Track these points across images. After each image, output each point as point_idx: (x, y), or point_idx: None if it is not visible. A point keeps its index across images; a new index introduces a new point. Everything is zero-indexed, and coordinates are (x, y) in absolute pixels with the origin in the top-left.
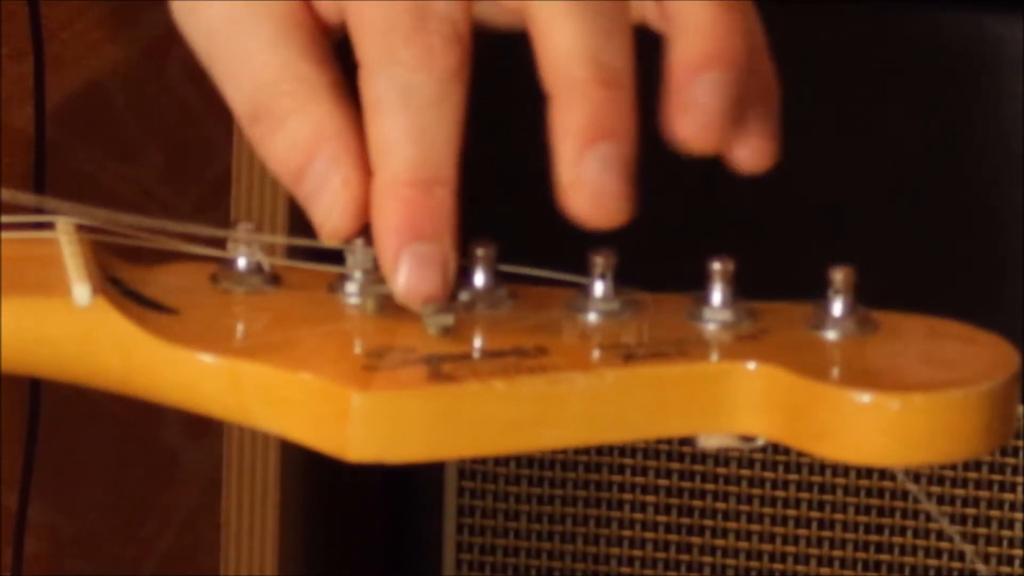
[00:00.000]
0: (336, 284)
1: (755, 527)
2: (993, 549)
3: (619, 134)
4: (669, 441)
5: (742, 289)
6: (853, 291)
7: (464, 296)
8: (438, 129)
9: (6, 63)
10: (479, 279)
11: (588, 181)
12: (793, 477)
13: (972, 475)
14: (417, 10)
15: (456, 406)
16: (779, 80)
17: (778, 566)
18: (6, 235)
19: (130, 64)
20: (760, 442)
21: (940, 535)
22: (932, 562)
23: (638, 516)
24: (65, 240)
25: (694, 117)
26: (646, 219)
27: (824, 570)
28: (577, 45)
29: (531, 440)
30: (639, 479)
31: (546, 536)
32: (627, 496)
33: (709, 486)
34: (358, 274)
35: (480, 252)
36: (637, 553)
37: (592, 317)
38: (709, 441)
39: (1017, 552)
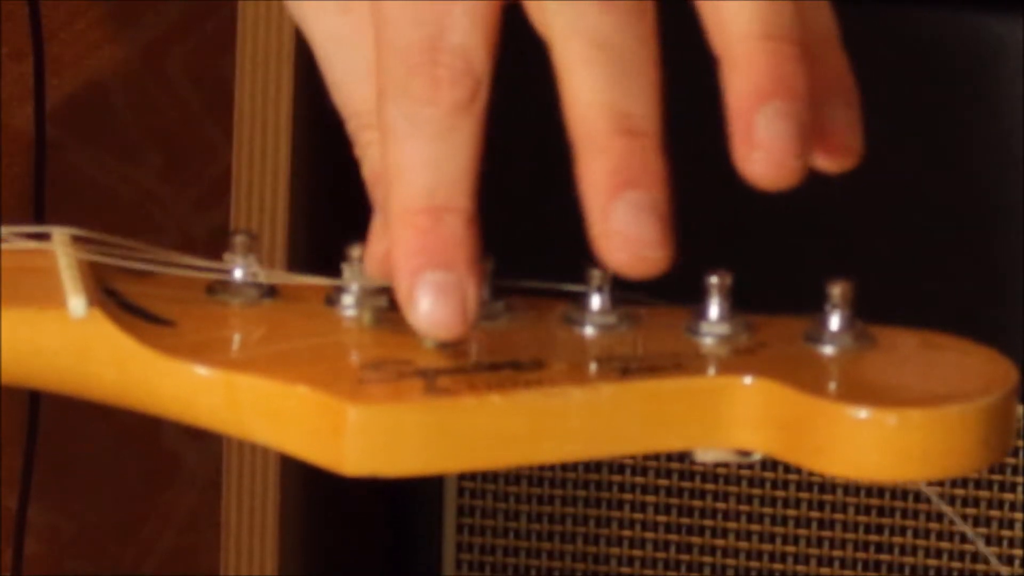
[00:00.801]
0: (333, 297)
1: (755, 527)
2: (993, 549)
3: (645, 181)
4: None
5: (739, 301)
6: (851, 305)
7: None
8: (448, 160)
9: (6, 63)
10: None
11: (617, 231)
12: (793, 477)
13: (972, 475)
14: (429, 41)
15: (452, 420)
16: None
17: (778, 566)
18: (2, 247)
19: (130, 64)
20: (757, 456)
21: (940, 535)
22: (932, 562)
23: (638, 516)
24: (61, 251)
25: (762, 154)
26: None
27: (824, 570)
28: (597, 95)
29: (527, 454)
30: (639, 479)
31: (546, 536)
32: (627, 496)
33: (709, 486)
34: (355, 287)
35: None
36: (637, 553)
37: (589, 330)
38: (706, 455)
39: (1017, 552)
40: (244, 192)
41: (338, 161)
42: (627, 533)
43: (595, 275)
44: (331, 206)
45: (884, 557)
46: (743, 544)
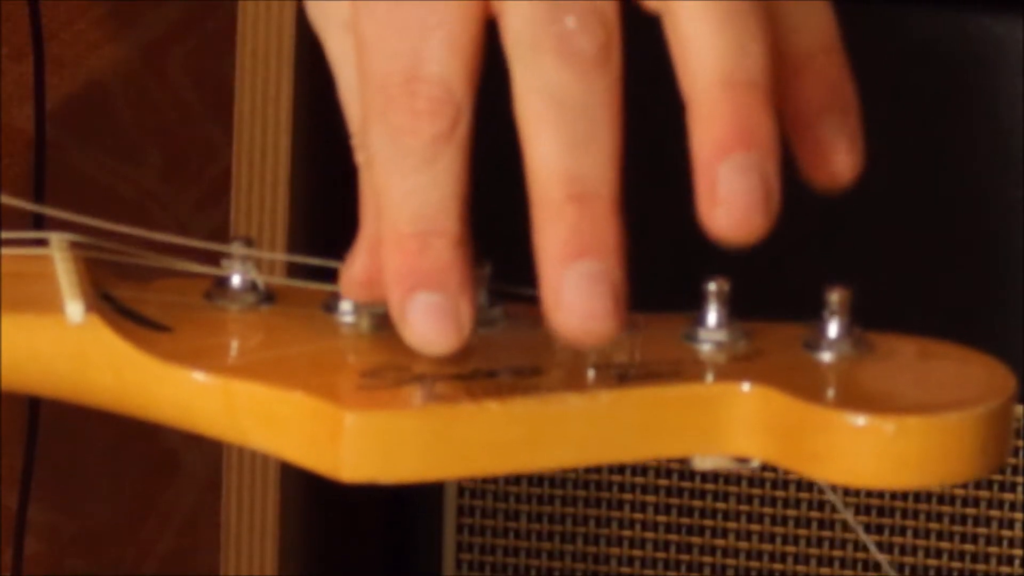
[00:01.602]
0: (330, 302)
1: (755, 527)
2: (993, 549)
3: (597, 250)
4: None
5: (737, 308)
6: (849, 312)
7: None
8: (430, 190)
9: (6, 63)
10: None
11: (568, 303)
12: (793, 477)
13: (970, 482)
14: (407, 72)
15: (450, 426)
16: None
17: (778, 566)
18: (1, 252)
19: (130, 64)
20: (755, 464)
21: (940, 535)
22: (932, 562)
23: (638, 516)
24: (59, 257)
25: (724, 210)
26: (639, 239)
27: (824, 570)
28: (551, 158)
29: (525, 461)
30: (639, 479)
31: (546, 536)
32: (627, 496)
33: (709, 486)
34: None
35: (474, 273)
36: (637, 553)
37: None
38: (704, 462)
39: (1017, 552)
40: (244, 192)
41: (338, 161)
42: (627, 533)
43: None
44: (331, 206)
45: (884, 557)
46: (743, 544)
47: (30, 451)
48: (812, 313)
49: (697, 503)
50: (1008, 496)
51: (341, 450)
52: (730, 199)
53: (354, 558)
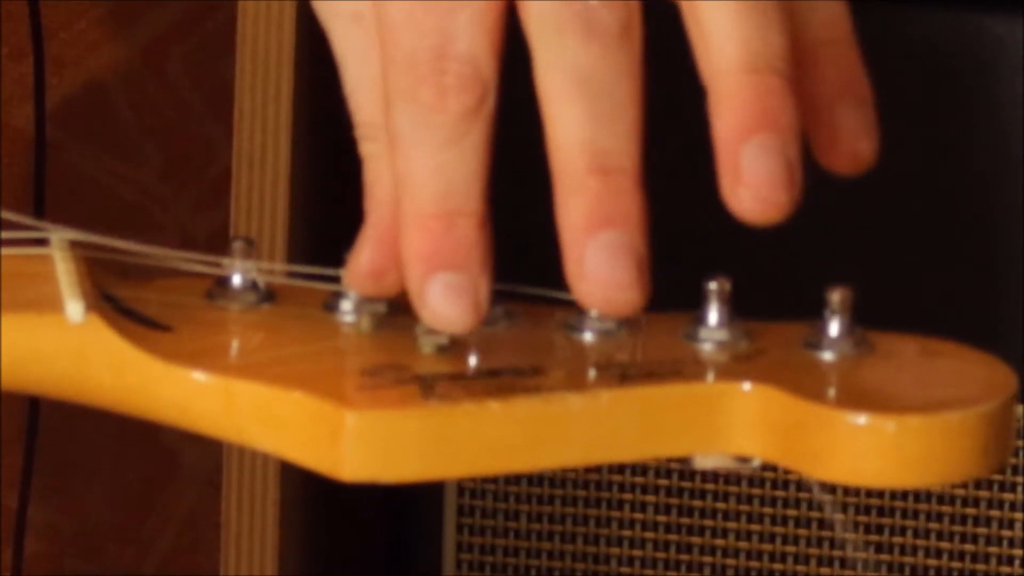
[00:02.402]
0: (331, 302)
1: (755, 527)
2: (993, 549)
3: (621, 221)
4: None
5: (738, 307)
6: (850, 311)
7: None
8: (457, 166)
9: (6, 63)
10: None
11: (591, 272)
12: (793, 477)
13: (971, 481)
14: (435, 49)
15: (450, 426)
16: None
17: (778, 566)
18: (1, 251)
19: (130, 64)
20: (756, 463)
21: (940, 535)
22: (932, 562)
23: (638, 516)
24: (59, 256)
25: (749, 190)
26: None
27: (824, 570)
28: (575, 132)
29: (526, 460)
30: (639, 479)
31: (546, 536)
32: (627, 496)
33: (709, 486)
34: (353, 292)
35: None
36: (637, 553)
37: (588, 336)
38: (705, 462)
39: (1017, 552)
40: (244, 192)
41: (338, 161)
42: (627, 533)
43: None
44: (331, 206)
45: (884, 557)
46: (743, 544)
47: (30, 451)
48: (813, 312)
49: (697, 503)
50: (1008, 496)
51: (342, 450)
52: (754, 178)
53: (354, 558)
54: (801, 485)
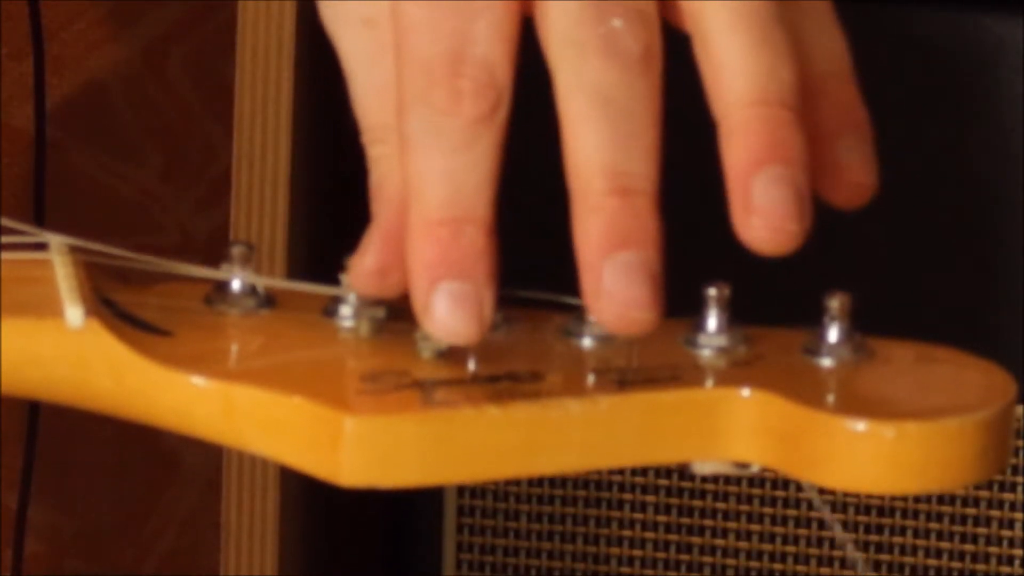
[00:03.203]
0: (330, 307)
1: (755, 527)
2: (993, 549)
3: (638, 242)
4: None
5: (736, 313)
6: (849, 317)
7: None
8: (468, 172)
9: (6, 63)
10: None
11: (607, 291)
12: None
13: (970, 487)
14: (453, 53)
15: (449, 431)
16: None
17: (778, 566)
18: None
19: (130, 64)
20: (754, 469)
21: (940, 535)
22: (932, 562)
23: (638, 516)
24: (59, 261)
25: (760, 220)
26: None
27: (824, 570)
28: (596, 153)
29: (524, 465)
30: (639, 479)
31: (546, 536)
32: (627, 496)
33: (709, 486)
34: (352, 297)
35: None
36: (637, 553)
37: (587, 342)
38: (703, 467)
39: (1017, 552)
40: (244, 192)
41: (338, 161)
42: (627, 533)
43: None
44: (331, 206)
45: (884, 557)
46: (743, 544)
47: (30, 451)
48: (812, 318)
49: (697, 503)
50: (1008, 496)
51: (341, 455)
52: (765, 209)
53: (354, 558)
54: (801, 485)
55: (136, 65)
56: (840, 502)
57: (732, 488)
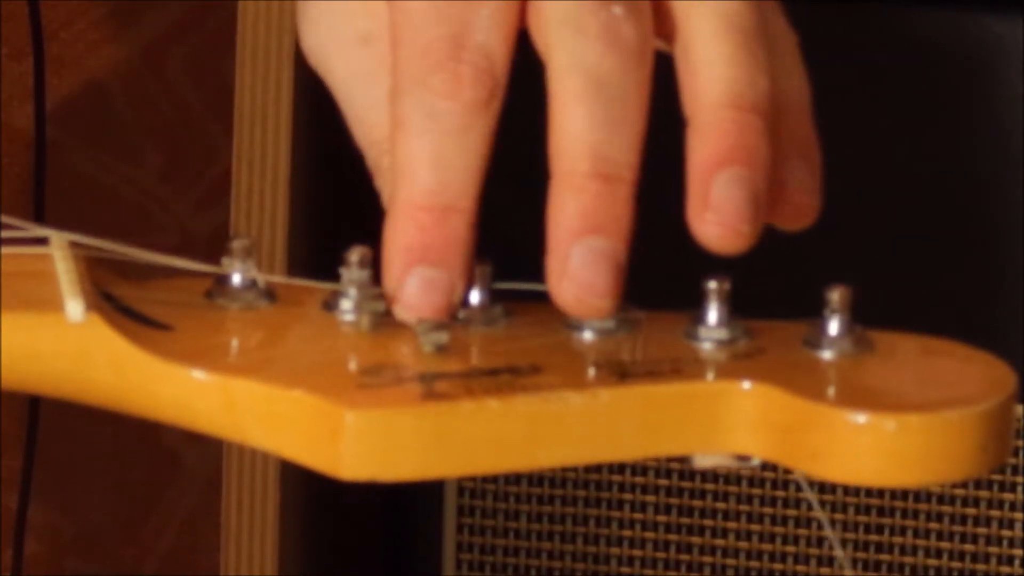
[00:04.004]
0: (331, 301)
1: (755, 527)
2: (993, 549)
3: (610, 229)
4: None
5: (737, 306)
6: (849, 310)
7: (460, 314)
8: (459, 158)
9: (6, 63)
10: (474, 297)
11: (571, 274)
12: (794, 477)
13: (971, 480)
14: (454, 38)
15: (450, 424)
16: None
17: (778, 566)
18: (1, 251)
19: (130, 64)
20: (755, 462)
21: (940, 535)
22: (932, 562)
23: (638, 516)
24: (59, 256)
25: (715, 217)
26: (642, 237)
27: (824, 570)
28: (583, 134)
29: (525, 459)
30: (639, 479)
31: (546, 536)
32: (627, 496)
33: (709, 486)
34: (353, 291)
35: (475, 271)
36: (637, 553)
37: (587, 335)
38: (704, 460)
39: (1017, 552)
40: (244, 192)
41: (338, 161)
42: (627, 533)
43: None
44: (331, 206)
45: (884, 557)
46: (743, 544)
47: (30, 451)
48: (813, 311)
49: (697, 503)
50: (1008, 496)
51: (341, 448)
52: (722, 207)
53: (354, 558)
54: (801, 485)
55: (136, 65)
56: (840, 502)
57: (732, 488)
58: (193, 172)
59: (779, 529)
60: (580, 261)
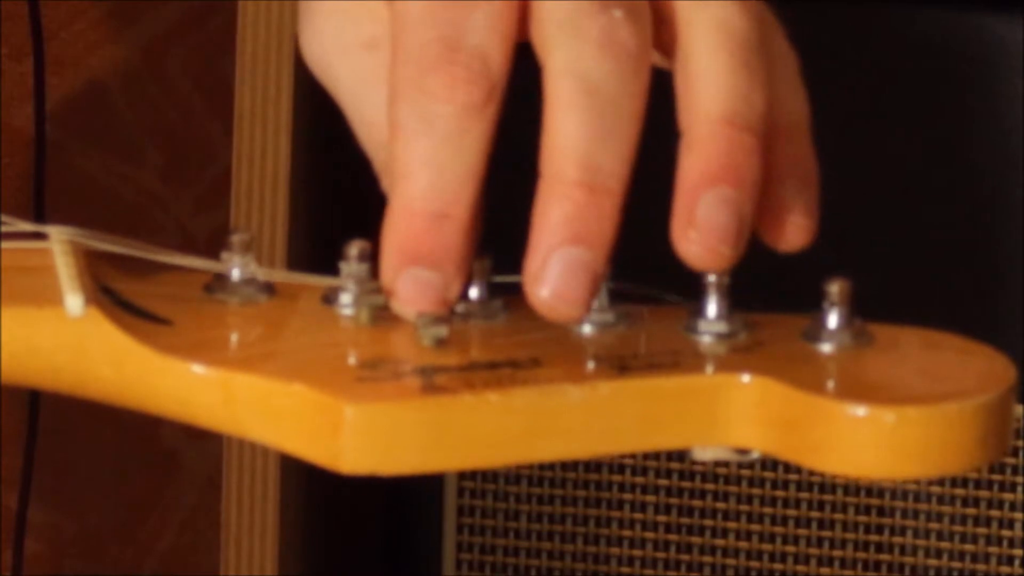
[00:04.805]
0: (330, 295)
1: (755, 527)
2: (993, 549)
3: (591, 240)
4: None
5: (737, 299)
6: (849, 303)
7: (459, 307)
8: (454, 161)
9: (6, 63)
10: (474, 291)
11: (547, 279)
12: (793, 477)
13: (972, 475)
14: (448, 40)
15: (449, 418)
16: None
17: (778, 566)
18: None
19: (130, 64)
20: (755, 455)
21: (940, 535)
22: (932, 562)
23: (638, 516)
24: (58, 250)
25: (697, 235)
26: (641, 230)
27: (824, 570)
28: (574, 140)
29: (525, 452)
30: (639, 479)
31: (546, 536)
32: (627, 496)
33: (709, 486)
34: (352, 285)
35: (474, 264)
36: (637, 553)
37: (587, 328)
38: (704, 453)
39: (1017, 552)
40: (244, 192)
41: (338, 161)
42: (627, 533)
43: None
44: (331, 206)
45: (884, 557)
46: (743, 544)
47: (30, 451)
48: (812, 304)
49: (697, 503)
50: (1008, 496)
51: (341, 442)
52: (705, 227)
53: (354, 558)
54: (801, 485)
55: (136, 65)
56: (840, 502)
57: (732, 488)
58: (193, 172)
59: (779, 529)
60: (557, 268)
